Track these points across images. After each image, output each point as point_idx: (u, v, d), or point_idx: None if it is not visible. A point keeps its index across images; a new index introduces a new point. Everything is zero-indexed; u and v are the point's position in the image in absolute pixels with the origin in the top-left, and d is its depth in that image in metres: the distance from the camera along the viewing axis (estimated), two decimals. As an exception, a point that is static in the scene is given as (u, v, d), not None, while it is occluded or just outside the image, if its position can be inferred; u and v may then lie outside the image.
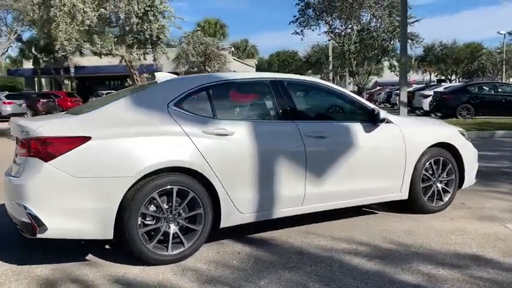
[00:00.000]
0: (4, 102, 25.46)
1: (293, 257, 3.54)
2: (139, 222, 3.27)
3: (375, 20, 26.77)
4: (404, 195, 4.55)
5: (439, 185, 4.76)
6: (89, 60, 32.70)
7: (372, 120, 4.29)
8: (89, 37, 13.25)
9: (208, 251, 3.67)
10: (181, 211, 3.45)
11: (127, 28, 13.79)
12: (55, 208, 3.10)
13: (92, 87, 40.70)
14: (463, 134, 5.03)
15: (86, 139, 3.17)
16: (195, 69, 26.96)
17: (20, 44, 36.11)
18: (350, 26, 26.55)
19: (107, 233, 3.20)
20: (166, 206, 3.39)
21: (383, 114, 4.26)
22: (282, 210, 3.91)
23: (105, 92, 36.45)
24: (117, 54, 14.14)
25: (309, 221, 4.34)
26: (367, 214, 4.73)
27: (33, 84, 42.74)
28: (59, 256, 3.55)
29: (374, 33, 26.67)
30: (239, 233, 3.98)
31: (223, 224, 3.64)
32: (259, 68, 67.19)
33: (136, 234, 3.25)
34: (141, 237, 3.28)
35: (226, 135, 3.60)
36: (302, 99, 4.58)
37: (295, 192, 3.91)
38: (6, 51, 32.52)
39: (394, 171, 4.42)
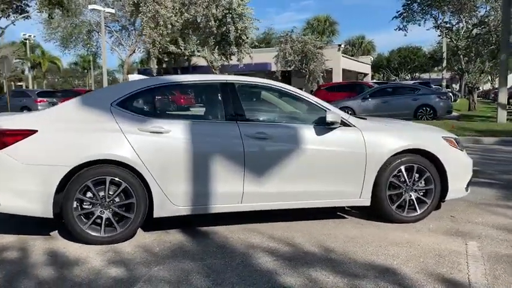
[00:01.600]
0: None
1: (211, 250, 3.75)
2: (74, 206, 3.78)
3: (493, 12, 24.22)
4: (365, 201, 4.40)
5: (413, 194, 4.49)
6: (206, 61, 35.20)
7: (323, 124, 4.24)
8: (174, 40, 14.44)
9: (147, 237, 4.07)
10: (115, 199, 3.88)
11: (207, 31, 14.69)
12: (6, 188, 3.77)
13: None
14: (452, 141, 4.64)
15: (32, 132, 3.78)
16: (293, 67, 27.31)
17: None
18: (461, 19, 24.41)
19: (47, 212, 3.77)
20: (102, 194, 3.85)
21: (330, 117, 4.18)
22: (219, 206, 4.12)
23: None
24: (199, 56, 15.17)
25: (270, 219, 4.49)
26: (334, 218, 4.66)
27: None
28: (30, 229, 4.22)
29: (491, 27, 24.12)
30: (196, 225, 4.32)
31: (157, 214, 3.99)
32: (376, 65, 64.91)
33: (71, 215, 3.78)
34: (76, 218, 3.79)
35: (162, 132, 3.93)
36: (253, 101, 4.68)
37: (232, 189, 4.08)
38: (134, 52, 36.38)
39: (349, 177, 4.30)
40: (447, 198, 4.63)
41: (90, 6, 27.15)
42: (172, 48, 15.17)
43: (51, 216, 3.81)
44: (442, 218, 4.65)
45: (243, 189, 4.09)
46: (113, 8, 26.69)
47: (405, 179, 4.46)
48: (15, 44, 52.42)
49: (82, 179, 3.78)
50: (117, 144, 3.84)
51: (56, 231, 4.21)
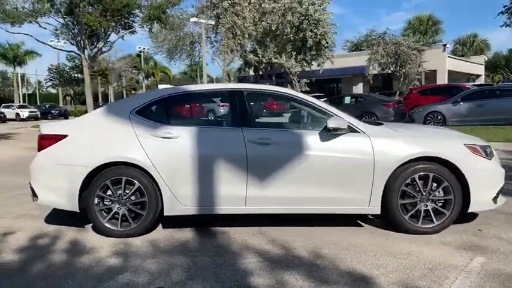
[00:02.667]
0: (219, 105, 30.21)
1: (208, 248, 4.00)
2: (96, 202, 4.30)
3: None
4: (374, 209, 4.30)
5: (429, 204, 4.27)
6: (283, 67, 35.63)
7: (328, 130, 4.24)
8: (252, 49, 14.97)
9: (160, 233, 4.45)
10: (131, 197, 4.32)
11: (284, 38, 14.96)
12: (42, 184, 4.42)
13: (303, 92, 43.89)
14: (476, 148, 4.31)
15: (63, 136, 4.39)
16: (386, 70, 26.35)
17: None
18: None
19: (74, 206, 4.33)
20: (119, 192, 4.32)
21: (332, 124, 4.16)
22: (224, 208, 4.34)
23: (310, 96, 39.08)
24: (276, 63, 15.50)
25: (289, 224, 4.61)
26: (351, 226, 4.60)
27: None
28: (73, 221, 4.83)
29: None
30: (211, 225, 4.63)
31: (167, 212, 4.34)
32: (493, 66, 59.34)
33: (93, 210, 4.30)
34: (97, 213, 4.31)
35: (171, 138, 4.29)
36: (260, 108, 4.79)
37: (236, 192, 4.28)
38: (232, 61, 37.98)
39: (356, 184, 4.24)
40: (470, 210, 4.31)
41: (192, 19, 29.13)
42: (250, 56, 15.73)
43: (78, 210, 4.37)
44: (466, 231, 4.34)
45: (246, 193, 4.27)
46: (213, 20, 28.41)
47: (419, 188, 4.26)
48: (131, 56, 57.90)
49: (102, 179, 4.28)
50: (131, 148, 4.28)
51: (91, 224, 4.78)
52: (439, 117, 16.35)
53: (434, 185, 4.28)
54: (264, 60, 15.41)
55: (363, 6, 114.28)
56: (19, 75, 57.59)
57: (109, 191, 4.32)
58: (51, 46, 24.91)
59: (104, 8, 20.60)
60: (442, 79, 36.39)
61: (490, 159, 4.38)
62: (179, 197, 4.29)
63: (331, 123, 4.17)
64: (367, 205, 4.28)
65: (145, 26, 22.23)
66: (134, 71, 59.09)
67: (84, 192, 4.32)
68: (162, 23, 22.37)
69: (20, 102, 52.56)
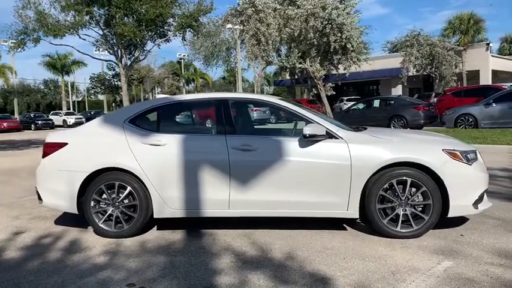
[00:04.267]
0: (252, 110, 30.67)
1: (191, 249, 4.25)
2: (92, 205, 4.66)
3: None
4: (353, 214, 4.40)
5: (408, 209, 4.33)
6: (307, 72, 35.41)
7: (304, 136, 4.39)
8: (276, 54, 15.19)
9: (153, 234, 4.75)
10: (124, 201, 4.65)
11: (308, 43, 15.07)
12: (46, 188, 4.83)
13: (338, 94, 43.49)
14: (456, 154, 4.33)
15: (64, 144, 4.78)
16: (421, 72, 25.80)
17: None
18: None
19: (73, 208, 4.71)
20: (113, 196, 4.66)
21: (307, 131, 4.31)
22: (209, 211, 4.58)
23: (345, 98, 38.75)
24: (300, 67, 15.63)
25: (274, 227, 4.79)
26: (334, 230, 4.71)
27: (294, 93, 48.79)
28: (79, 223, 5.23)
29: None
30: (205, 227, 4.89)
31: (156, 215, 4.63)
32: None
33: (89, 212, 4.66)
34: (93, 215, 4.66)
35: (159, 145, 4.58)
36: (245, 116, 4.99)
37: (220, 196, 4.51)
38: (265, 66, 38.31)
39: (334, 189, 4.36)
40: (449, 215, 4.33)
41: (228, 26, 29.75)
42: (275, 61, 15.96)
43: (77, 212, 4.75)
44: (447, 236, 4.37)
45: (229, 197, 4.49)
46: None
47: (398, 193, 4.33)
48: (172, 63, 59.51)
49: (97, 183, 4.63)
50: (123, 155, 4.61)
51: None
52: (471, 120, 15.92)
53: (413, 190, 4.34)
54: (288, 66, 15.58)
55: (407, 5, 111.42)
56: (69, 83, 60.57)
57: (104, 194, 4.66)
58: (90, 56, 26.24)
59: (138, 19, 21.48)
60: (486, 79, 35.12)
61: (471, 165, 4.38)
62: (167, 200, 4.57)
63: (307, 130, 4.32)
64: (346, 209, 4.40)
65: (177, 34, 22.94)
66: (175, 78, 60.67)
67: (82, 196, 4.69)
68: (194, 31, 23.01)
69: (69, 109, 55.33)
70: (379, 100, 19.30)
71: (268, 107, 5.00)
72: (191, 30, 22.62)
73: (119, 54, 23.29)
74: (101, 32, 23.13)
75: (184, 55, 55.30)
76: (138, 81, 39.77)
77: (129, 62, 23.78)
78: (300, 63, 15.46)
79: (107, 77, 33.10)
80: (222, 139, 4.54)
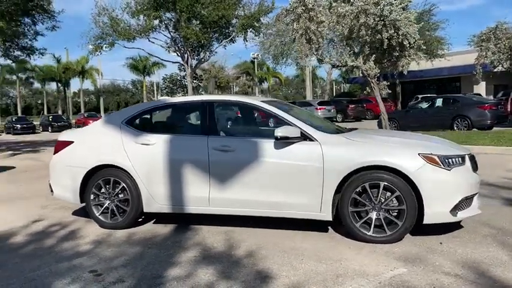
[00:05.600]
0: (316, 108, 30.48)
1: (167, 243, 4.53)
2: (92, 198, 5.12)
3: None
4: (326, 216, 4.40)
5: (381, 213, 4.25)
6: (415, 65, 33.81)
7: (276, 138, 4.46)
8: (327, 52, 15.04)
9: (144, 227, 5.11)
10: (119, 195, 5.05)
11: (360, 40, 14.72)
12: (56, 182, 5.39)
13: (416, 91, 41.53)
14: (433, 158, 4.15)
15: (70, 142, 5.30)
16: (498, 68, 23.86)
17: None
18: None
19: (77, 200, 5.21)
20: (109, 190, 5.08)
21: (279, 133, 4.36)
22: (192, 207, 4.83)
23: (420, 96, 36.90)
24: (352, 65, 15.28)
25: (254, 225, 4.94)
26: (311, 231, 4.73)
27: (366, 90, 47.57)
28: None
29: None
30: (194, 223, 5.18)
31: (146, 209, 4.97)
32: None
33: (89, 205, 5.13)
34: (92, 207, 5.12)
35: (149, 144, 4.92)
36: (227, 117, 5.12)
37: (201, 194, 4.74)
38: (320, 63, 37.72)
39: (306, 190, 4.39)
40: (425, 221, 4.18)
41: (294, 25, 29.83)
42: (326, 60, 15.76)
43: (80, 204, 5.25)
44: (424, 244, 4.22)
45: (209, 194, 4.70)
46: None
47: (370, 197, 4.25)
48: (246, 63, 60.67)
49: (96, 178, 5.08)
50: (118, 153, 5.01)
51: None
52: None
53: (388, 194, 4.24)
54: (340, 64, 15.33)
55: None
56: (154, 83, 64.31)
57: (102, 189, 5.10)
58: (159, 58, 27.81)
59: (201, 21, 22.35)
60: None
61: (450, 170, 4.17)
62: (155, 196, 4.89)
63: (278, 132, 4.39)
64: (319, 211, 4.41)
65: (240, 34, 23.50)
66: (248, 77, 61.79)
67: (85, 189, 5.17)
68: (256, 31, 23.42)
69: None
70: (442, 99, 18.29)
71: (251, 109, 5.12)
72: (252, 30, 23.02)
73: (185, 56, 24.37)
74: (169, 35, 24.37)
75: (257, 54, 56.04)
76: (207, 81, 41.26)
77: (194, 63, 24.78)
78: (352, 61, 15.12)
79: (178, 78, 34.85)
80: (204, 140, 4.76)
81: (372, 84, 15.73)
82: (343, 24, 14.19)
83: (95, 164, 5.05)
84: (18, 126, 36.54)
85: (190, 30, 21.42)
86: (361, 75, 39.93)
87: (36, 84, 68.88)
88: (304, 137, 4.46)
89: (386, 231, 4.23)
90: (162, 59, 29.45)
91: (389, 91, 16.98)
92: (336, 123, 26.04)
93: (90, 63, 53.46)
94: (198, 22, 22.49)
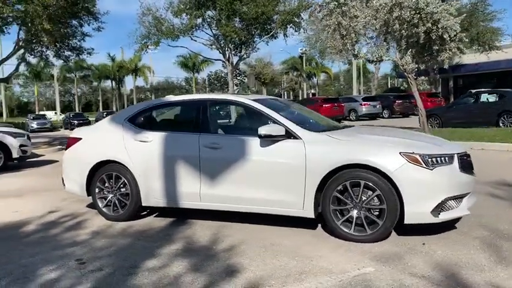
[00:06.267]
0: (361, 104, 29.88)
1: (158, 235, 4.76)
2: (97, 191, 5.44)
3: None
4: (308, 213, 4.44)
5: (362, 212, 4.23)
6: (469, 58, 32.24)
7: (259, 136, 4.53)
8: (361, 47, 14.78)
9: (144, 220, 5.38)
10: (121, 189, 5.34)
11: (396, 34, 14.32)
12: (68, 176, 5.77)
13: (469, 86, 39.62)
14: (415, 157, 4.07)
15: (79, 139, 5.66)
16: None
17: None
18: None
19: (84, 193, 5.56)
20: (112, 184, 5.38)
21: (262, 131, 4.43)
22: (185, 202, 5.02)
23: (473, 91, 35.15)
24: (387, 60, 14.89)
25: (250, 220, 5.06)
26: (302, 228, 4.78)
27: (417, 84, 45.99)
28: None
29: None
30: (189, 217, 5.40)
31: (144, 203, 5.22)
32: None
33: (95, 198, 5.47)
34: (98, 200, 5.45)
35: (146, 141, 5.16)
36: (219, 115, 5.22)
37: (193, 189, 4.92)
38: (355, 59, 36.83)
39: (290, 188, 4.44)
40: (405, 221, 4.11)
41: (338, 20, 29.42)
42: (361, 55, 15.46)
43: (87, 197, 5.60)
44: (406, 244, 4.16)
45: (200, 190, 4.87)
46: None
47: (351, 195, 4.24)
48: (293, 58, 60.39)
49: (100, 173, 5.41)
50: (119, 150, 5.29)
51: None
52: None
53: (370, 193, 4.21)
54: (374, 58, 15.00)
55: None
56: (206, 80, 65.63)
57: (106, 183, 5.41)
58: (201, 56, 28.28)
59: (241, 18, 22.59)
60: None
61: (432, 169, 4.06)
62: (152, 191, 5.13)
63: (262, 130, 4.47)
64: (302, 208, 4.45)
65: (280, 30, 23.51)
66: (296, 73, 61.55)
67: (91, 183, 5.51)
68: (296, 27, 23.33)
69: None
70: (487, 93, 17.38)
71: (241, 107, 5.23)
72: (292, 26, 22.97)
73: (226, 54, 24.73)
74: (211, 33, 24.83)
75: (305, 50, 55.61)
76: (248, 78, 41.57)
77: (235, 61, 25.09)
78: (387, 56, 14.75)
79: (222, 75, 35.41)
80: (196, 137, 4.93)
81: (408, 79, 15.29)
82: (376, 17, 13.88)
83: (99, 160, 5.37)
84: (75, 122, 38.62)
85: (229, 28, 21.72)
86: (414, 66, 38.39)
87: (95, 82, 72.45)
88: (289, 134, 4.51)
89: (367, 230, 4.21)
90: (204, 57, 29.92)
91: (428, 86, 16.32)
92: (380, 119, 25.39)
93: (142, 61, 55.50)
94: (238, 19, 22.74)
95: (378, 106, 30.05)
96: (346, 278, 3.41)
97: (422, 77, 15.51)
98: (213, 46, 25.75)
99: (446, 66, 15.93)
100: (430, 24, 13.78)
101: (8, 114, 62.38)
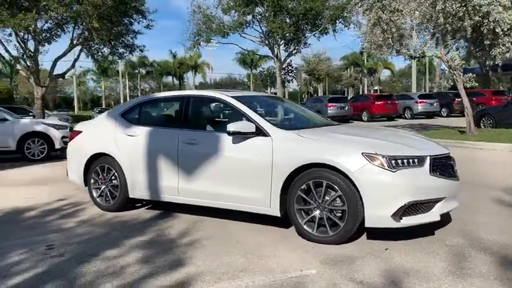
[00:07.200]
0: (417, 102, 28.58)
1: (137, 226, 4.94)
2: (92, 182, 5.74)
3: None
4: (275, 211, 4.40)
5: (324, 212, 4.12)
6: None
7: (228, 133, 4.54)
8: (402, 42, 14.20)
9: (133, 212, 5.59)
10: (111, 181, 5.59)
11: (440, 28, 13.58)
12: (69, 166, 6.12)
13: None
14: (377, 158, 3.89)
15: (80, 132, 5.98)
16: None
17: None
18: None
19: (82, 183, 5.88)
20: (104, 176, 5.64)
21: (231, 127, 4.43)
22: (165, 196, 5.16)
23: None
24: (431, 56, 14.13)
25: (232, 217, 5.13)
26: (279, 227, 4.74)
27: (486, 82, 43.13)
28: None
29: None
30: (179, 211, 5.55)
31: (130, 195, 5.42)
32: None
33: (90, 188, 5.77)
34: (93, 190, 5.74)
35: (134, 136, 5.36)
36: (201, 112, 5.25)
37: (171, 184, 5.04)
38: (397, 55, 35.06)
39: (256, 185, 4.43)
40: (366, 225, 3.95)
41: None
42: (403, 51, 14.81)
43: (85, 186, 5.91)
44: (370, 248, 4.01)
45: (178, 185, 4.98)
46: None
47: (314, 195, 4.14)
48: (354, 53, 59.03)
49: (94, 165, 5.69)
50: (110, 143, 5.53)
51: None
52: None
53: (333, 193, 4.08)
54: (417, 54, 14.30)
55: None
56: (258, 76, 66.14)
57: (100, 174, 5.69)
58: (258, 54, 28.40)
59: (289, 14, 22.46)
60: None
61: (394, 172, 3.85)
62: (137, 183, 5.32)
63: (230, 127, 4.47)
64: (269, 206, 4.42)
65: (329, 25, 23.11)
66: (356, 69, 60.13)
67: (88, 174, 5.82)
68: (346, 22, 22.81)
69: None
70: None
71: (222, 104, 5.25)
72: (342, 21, 22.48)
73: (275, 50, 24.73)
74: (260, 30, 24.95)
75: (362, 45, 53.90)
76: (308, 74, 41.16)
77: (283, 57, 25.03)
78: (432, 52, 14.04)
79: (273, 71, 35.42)
80: (176, 133, 5.04)
81: (454, 76, 14.43)
82: (418, 11, 13.24)
83: (94, 152, 5.65)
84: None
85: (275, 24, 21.69)
86: (477, 65, 36.26)
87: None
88: (259, 131, 4.48)
89: (328, 231, 4.10)
90: (259, 54, 30.09)
91: (476, 83, 15.28)
92: (437, 118, 24.13)
93: (201, 58, 56.91)
94: (286, 15, 22.64)
95: (435, 104, 28.62)
96: (281, 278, 3.36)
97: (470, 74, 14.52)
98: (262, 43, 25.85)
99: (499, 62, 14.77)
100: (478, 18, 12.93)
101: (82, 107, 66.73)
